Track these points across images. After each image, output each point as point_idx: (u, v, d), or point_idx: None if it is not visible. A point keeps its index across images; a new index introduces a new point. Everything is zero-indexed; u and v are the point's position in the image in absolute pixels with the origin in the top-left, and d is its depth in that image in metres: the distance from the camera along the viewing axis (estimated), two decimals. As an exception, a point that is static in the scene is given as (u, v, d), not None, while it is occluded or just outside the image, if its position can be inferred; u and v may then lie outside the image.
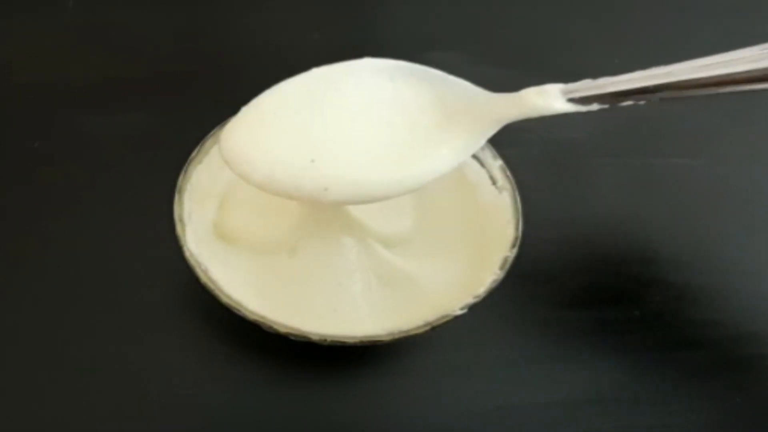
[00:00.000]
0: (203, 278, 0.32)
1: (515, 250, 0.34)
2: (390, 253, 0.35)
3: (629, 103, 0.28)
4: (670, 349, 0.37)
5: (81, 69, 0.46)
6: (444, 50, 0.49)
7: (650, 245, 0.40)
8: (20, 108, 0.43)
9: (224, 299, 0.32)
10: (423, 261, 0.35)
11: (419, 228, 0.37)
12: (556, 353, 0.36)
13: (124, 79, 0.45)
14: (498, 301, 0.33)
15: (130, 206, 0.39)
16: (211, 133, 0.36)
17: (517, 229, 0.35)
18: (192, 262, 0.32)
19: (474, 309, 0.32)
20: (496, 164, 0.37)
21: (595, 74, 0.48)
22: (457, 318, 0.32)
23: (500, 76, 0.48)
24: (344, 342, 0.31)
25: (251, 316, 0.31)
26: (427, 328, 0.32)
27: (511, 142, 0.38)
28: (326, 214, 0.35)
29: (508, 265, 0.33)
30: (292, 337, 0.31)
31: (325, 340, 0.31)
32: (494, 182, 0.37)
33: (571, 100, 0.28)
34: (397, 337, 0.31)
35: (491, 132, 0.30)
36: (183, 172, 0.35)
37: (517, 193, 0.36)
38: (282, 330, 0.31)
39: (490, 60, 0.48)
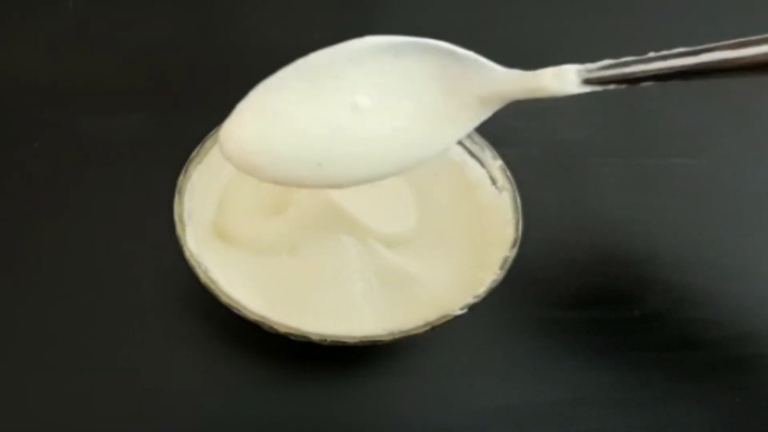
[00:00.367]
0: (203, 278, 0.32)
1: (515, 250, 0.34)
2: (390, 252, 0.35)
3: (648, 84, 0.27)
4: (670, 349, 0.37)
5: (81, 69, 0.46)
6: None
7: (650, 245, 0.40)
8: (20, 108, 0.43)
9: (224, 299, 0.32)
10: (423, 261, 0.35)
11: (419, 228, 0.37)
12: (556, 353, 0.36)
13: (124, 79, 0.45)
14: (498, 301, 0.33)
15: (130, 206, 0.39)
16: (211, 133, 0.36)
17: (517, 229, 0.35)
18: (192, 262, 0.32)
19: (474, 309, 0.32)
20: (496, 164, 0.37)
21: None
22: (457, 318, 0.32)
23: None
24: (344, 342, 0.31)
25: (251, 316, 0.31)
26: (427, 328, 0.32)
27: (511, 142, 0.38)
28: (326, 214, 0.35)
29: (508, 265, 0.33)
30: (292, 337, 0.31)
31: (325, 340, 0.31)
32: (494, 182, 0.37)
33: (588, 82, 0.28)
34: (397, 337, 0.31)
35: (497, 107, 0.30)
36: (183, 172, 0.35)
37: (517, 193, 0.36)
38: (282, 330, 0.31)
39: (490, 60, 0.48)
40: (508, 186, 0.36)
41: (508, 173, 0.37)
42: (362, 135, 0.29)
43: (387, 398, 0.34)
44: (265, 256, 0.35)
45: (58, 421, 0.33)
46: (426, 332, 0.31)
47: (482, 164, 0.38)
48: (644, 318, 0.38)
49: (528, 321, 0.37)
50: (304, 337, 0.31)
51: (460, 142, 0.39)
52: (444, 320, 0.32)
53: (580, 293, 0.38)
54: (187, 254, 0.32)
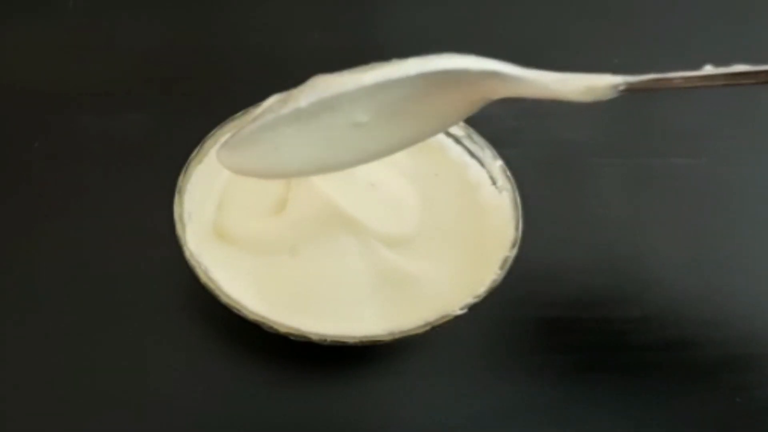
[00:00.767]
0: (203, 278, 0.32)
1: (515, 250, 0.34)
2: (390, 252, 0.35)
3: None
4: (670, 349, 0.37)
5: (81, 69, 0.46)
6: (444, 50, 0.49)
7: (650, 245, 0.40)
8: (20, 108, 0.43)
9: (224, 299, 0.32)
10: (423, 261, 0.35)
11: (419, 228, 0.37)
12: (555, 353, 0.36)
13: (124, 80, 0.45)
14: (498, 301, 0.33)
15: (130, 206, 0.39)
16: (211, 133, 0.36)
17: (517, 229, 0.35)
18: (192, 262, 0.32)
19: (474, 309, 0.32)
20: (496, 164, 0.37)
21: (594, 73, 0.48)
22: (457, 318, 0.32)
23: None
24: (344, 342, 0.31)
25: (251, 316, 0.31)
26: (427, 328, 0.32)
27: (511, 142, 0.38)
28: (326, 214, 0.35)
29: (508, 265, 0.33)
30: (292, 337, 0.31)
31: (325, 340, 0.31)
32: (494, 182, 0.37)
33: (620, 91, 0.27)
34: (397, 337, 0.31)
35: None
36: (183, 172, 0.35)
37: (517, 193, 0.36)
38: (282, 330, 0.31)
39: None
40: (508, 186, 0.36)
41: (508, 173, 0.37)
42: (363, 144, 0.29)
43: (387, 398, 0.34)
44: (265, 256, 0.35)
45: (58, 421, 0.33)
46: (426, 332, 0.31)
47: (482, 164, 0.38)
48: (644, 318, 0.38)
49: (528, 321, 0.37)
50: (304, 337, 0.31)
51: (460, 142, 0.39)
52: (444, 320, 0.32)
53: (580, 293, 0.38)
54: (187, 254, 0.32)
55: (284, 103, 0.27)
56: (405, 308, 0.33)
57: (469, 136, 0.38)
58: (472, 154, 0.38)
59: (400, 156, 0.32)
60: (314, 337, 0.31)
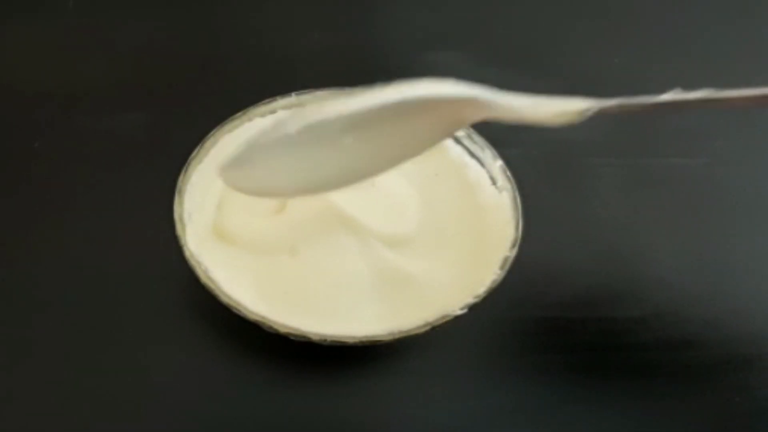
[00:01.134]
0: (203, 278, 0.32)
1: (515, 250, 0.34)
2: (390, 252, 0.35)
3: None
4: (670, 349, 0.37)
5: (81, 69, 0.46)
6: (444, 50, 0.49)
7: (650, 245, 0.40)
8: (20, 108, 0.43)
9: (224, 299, 0.32)
10: (423, 261, 0.35)
11: (419, 228, 0.37)
12: (555, 353, 0.36)
13: (124, 79, 0.45)
14: (498, 301, 0.33)
15: (130, 206, 0.39)
16: (211, 133, 0.36)
17: (517, 229, 0.35)
18: (192, 262, 0.32)
19: (474, 309, 0.32)
20: (496, 164, 0.37)
21: (594, 74, 0.48)
22: (457, 318, 0.32)
23: (500, 76, 0.48)
24: (344, 342, 0.31)
25: (251, 316, 0.31)
26: (427, 328, 0.32)
27: (511, 142, 0.38)
28: (326, 214, 0.35)
29: (508, 265, 0.33)
30: (292, 337, 0.31)
31: (325, 340, 0.31)
32: (494, 182, 0.37)
33: (589, 116, 0.28)
34: (397, 337, 0.31)
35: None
36: (183, 172, 0.35)
37: (517, 193, 0.36)
38: (282, 330, 0.31)
39: (490, 60, 0.48)
40: (508, 186, 0.36)
41: (508, 173, 0.37)
42: (350, 166, 0.30)
43: (387, 398, 0.34)
44: (265, 256, 0.35)
45: (58, 421, 0.33)
46: (426, 332, 0.32)
47: (482, 164, 0.38)
48: (644, 318, 0.38)
49: (528, 321, 0.37)
50: (304, 337, 0.31)
51: (460, 142, 0.39)
52: (444, 320, 0.32)
53: (580, 293, 0.38)
54: (187, 254, 0.32)
55: (276, 128, 0.29)
56: (405, 308, 0.33)
57: (469, 136, 0.38)
58: (472, 154, 0.38)
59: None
60: (314, 337, 0.31)
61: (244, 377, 0.34)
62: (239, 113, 0.37)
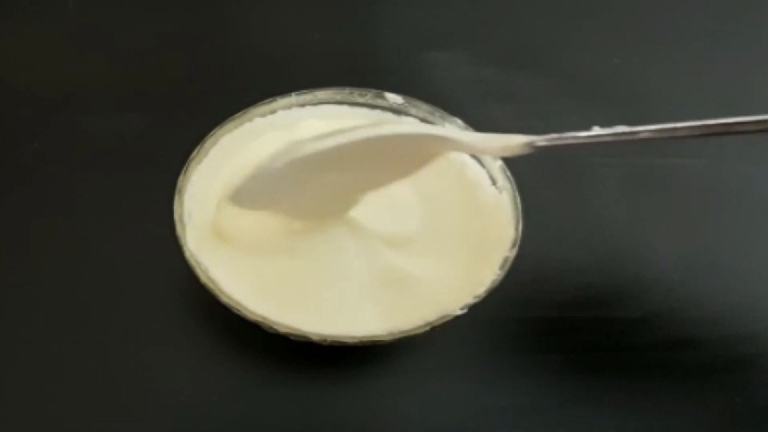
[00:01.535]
0: (203, 278, 0.32)
1: (515, 250, 0.34)
2: (390, 252, 0.35)
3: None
4: (670, 349, 0.37)
5: (81, 69, 0.46)
6: (444, 50, 0.49)
7: (650, 245, 0.40)
8: (20, 108, 0.43)
9: (224, 299, 0.32)
10: (423, 261, 0.35)
11: (419, 228, 0.37)
12: (555, 353, 0.36)
13: (124, 80, 0.46)
14: (498, 301, 0.33)
15: (130, 206, 0.39)
16: (211, 133, 0.36)
17: (517, 229, 0.35)
18: (192, 262, 0.32)
19: (474, 309, 0.32)
20: (496, 164, 0.37)
21: (594, 74, 0.48)
22: (457, 318, 0.32)
23: (500, 76, 0.48)
24: (344, 342, 0.31)
25: (251, 316, 0.31)
26: (427, 328, 0.32)
27: (511, 142, 0.38)
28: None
29: (508, 265, 0.33)
30: (292, 337, 0.31)
31: (325, 340, 0.31)
32: (494, 182, 0.37)
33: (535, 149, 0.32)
34: (397, 337, 0.32)
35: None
36: (183, 172, 0.35)
37: (517, 193, 0.36)
38: (282, 330, 0.31)
39: (490, 60, 0.48)
40: (508, 186, 0.36)
41: (508, 173, 0.37)
42: (338, 191, 0.34)
43: (387, 398, 0.34)
44: (265, 256, 0.35)
45: (58, 421, 0.33)
46: (426, 332, 0.32)
47: (482, 164, 0.38)
48: (644, 318, 0.38)
49: (528, 321, 0.37)
50: (304, 337, 0.31)
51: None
52: (444, 320, 0.32)
53: (580, 293, 0.38)
54: (187, 254, 0.32)
55: (270, 161, 0.32)
56: (405, 308, 0.33)
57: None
58: (472, 154, 0.38)
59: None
60: (314, 337, 0.31)
61: (244, 377, 0.34)
62: (239, 113, 0.38)
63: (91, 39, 0.48)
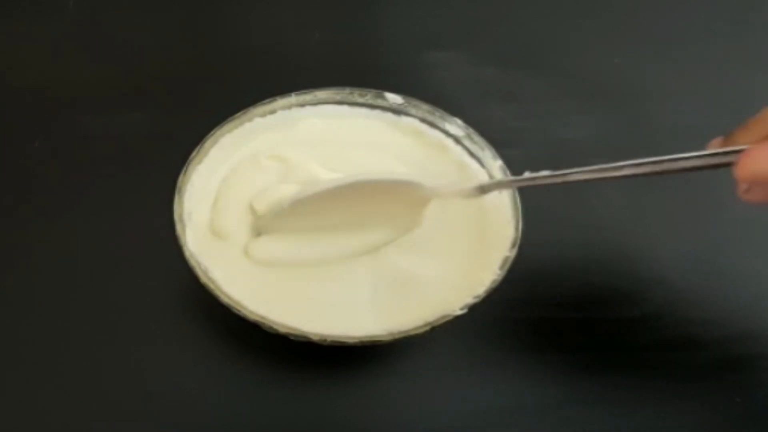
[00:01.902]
0: (203, 278, 0.32)
1: (515, 250, 0.34)
2: (390, 253, 0.35)
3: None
4: (670, 349, 0.37)
5: (81, 69, 0.46)
6: (444, 50, 0.49)
7: (650, 245, 0.40)
8: (20, 108, 0.43)
9: (224, 299, 0.32)
10: (423, 261, 0.35)
11: (420, 228, 0.36)
12: (555, 353, 0.36)
13: (124, 80, 0.45)
14: (498, 301, 0.33)
15: (130, 206, 0.39)
16: (211, 133, 0.36)
17: (517, 229, 0.35)
18: (192, 262, 0.32)
19: (474, 309, 0.32)
20: (496, 164, 0.37)
21: (594, 74, 0.48)
22: (457, 318, 0.32)
23: (500, 76, 0.48)
24: (344, 342, 0.31)
25: (251, 316, 0.31)
26: (427, 328, 0.32)
27: (511, 142, 0.38)
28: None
29: (508, 265, 0.33)
30: (292, 337, 0.31)
31: (325, 340, 0.31)
32: (494, 182, 0.37)
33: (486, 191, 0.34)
34: (397, 337, 0.31)
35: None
36: (183, 172, 0.35)
37: (517, 193, 0.36)
38: (282, 330, 0.31)
39: (490, 60, 0.48)
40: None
41: (508, 173, 0.37)
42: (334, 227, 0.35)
43: (387, 398, 0.34)
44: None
45: (58, 421, 0.33)
46: (426, 332, 0.31)
47: (482, 164, 0.38)
48: (644, 318, 0.38)
49: (528, 321, 0.37)
50: (304, 337, 0.31)
51: (460, 142, 0.39)
52: (444, 320, 0.32)
53: (580, 293, 0.38)
54: (187, 254, 0.32)
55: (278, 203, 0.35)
56: (405, 308, 0.33)
57: (469, 136, 0.38)
58: (472, 154, 0.38)
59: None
60: (314, 337, 0.31)
61: (244, 377, 0.34)
62: (239, 113, 0.37)
63: (91, 39, 0.48)
